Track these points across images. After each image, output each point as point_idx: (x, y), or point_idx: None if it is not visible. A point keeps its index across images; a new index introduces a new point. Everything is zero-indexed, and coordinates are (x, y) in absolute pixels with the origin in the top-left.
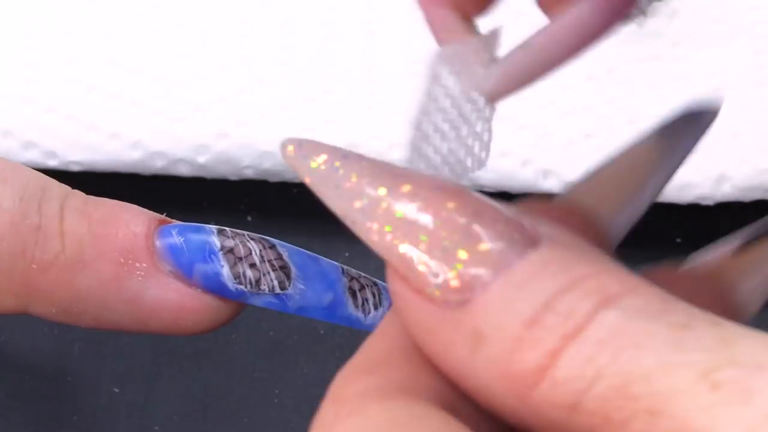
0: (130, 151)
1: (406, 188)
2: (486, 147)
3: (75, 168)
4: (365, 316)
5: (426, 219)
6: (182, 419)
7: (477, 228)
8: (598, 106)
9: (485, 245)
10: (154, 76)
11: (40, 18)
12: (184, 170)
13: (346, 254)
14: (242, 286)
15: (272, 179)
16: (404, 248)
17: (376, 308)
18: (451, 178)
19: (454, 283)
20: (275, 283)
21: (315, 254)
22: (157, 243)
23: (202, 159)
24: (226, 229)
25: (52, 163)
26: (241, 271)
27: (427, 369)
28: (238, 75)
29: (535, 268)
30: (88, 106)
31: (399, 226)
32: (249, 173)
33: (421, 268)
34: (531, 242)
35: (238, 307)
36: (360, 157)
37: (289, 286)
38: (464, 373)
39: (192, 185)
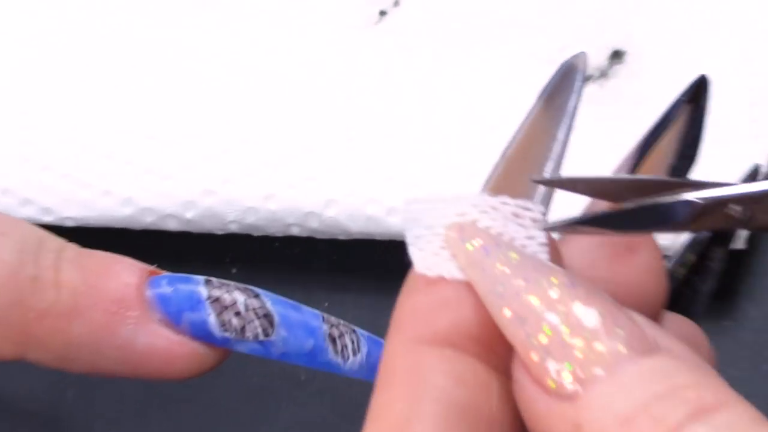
0: (121, 208)
1: (543, 282)
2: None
3: (69, 224)
4: (344, 361)
5: (552, 314)
6: None
7: (600, 330)
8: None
9: (603, 347)
10: (145, 136)
11: (36, 81)
12: (172, 225)
13: (326, 304)
14: (228, 334)
15: (255, 233)
16: (529, 338)
17: (354, 354)
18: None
19: (568, 378)
20: (259, 330)
21: (296, 303)
22: (148, 293)
23: (189, 214)
24: (213, 279)
25: (48, 219)
26: (227, 319)
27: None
28: (223, 135)
29: (642, 373)
30: (82, 165)
31: (529, 316)
32: (233, 228)
33: (542, 359)
34: (648, 351)
35: (224, 353)
36: (511, 247)
37: (273, 333)
38: None
39: (180, 239)
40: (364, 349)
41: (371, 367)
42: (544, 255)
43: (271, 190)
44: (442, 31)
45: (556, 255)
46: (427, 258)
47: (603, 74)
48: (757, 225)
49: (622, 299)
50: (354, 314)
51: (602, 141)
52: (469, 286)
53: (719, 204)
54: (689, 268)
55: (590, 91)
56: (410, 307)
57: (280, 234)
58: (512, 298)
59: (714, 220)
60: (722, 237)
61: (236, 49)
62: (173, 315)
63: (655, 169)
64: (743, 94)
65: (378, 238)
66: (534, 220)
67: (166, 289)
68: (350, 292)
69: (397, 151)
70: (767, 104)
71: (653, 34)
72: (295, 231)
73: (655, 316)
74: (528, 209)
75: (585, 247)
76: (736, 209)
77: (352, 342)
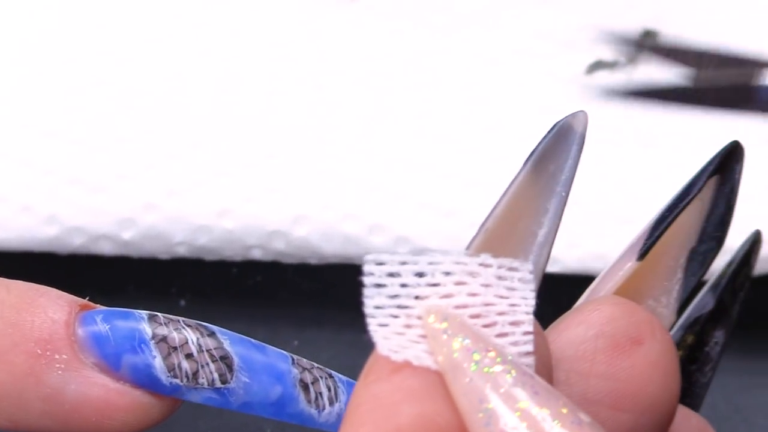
0: (43, 227)
1: (544, 412)
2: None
3: None
4: (319, 412)
5: None
6: None
7: None
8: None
9: None
10: (71, 139)
11: None
12: (106, 248)
13: (295, 343)
14: (177, 380)
15: (208, 257)
16: None
17: (331, 404)
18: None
19: None
20: (215, 375)
21: (260, 342)
22: (79, 331)
23: (127, 235)
24: (158, 314)
25: None
26: (175, 362)
27: None
28: (168, 137)
29: None
30: None
31: None
32: (181, 251)
33: None
34: None
35: (173, 403)
36: (505, 358)
37: (231, 379)
38: None
39: (115, 265)
40: (342, 398)
41: None
42: (527, 346)
43: (227, 204)
44: (433, 5)
45: (542, 344)
46: (390, 337)
47: (631, 60)
48: None
49: (624, 401)
50: (329, 355)
51: (627, 147)
52: (441, 376)
53: None
54: (685, 352)
55: (615, 82)
56: (370, 396)
57: (238, 258)
58: (498, 422)
59: None
60: (721, 315)
61: (184, 34)
62: (110, 358)
63: (671, 252)
64: None
65: (358, 262)
66: (522, 281)
67: (101, 327)
68: (324, 329)
69: (380, 155)
70: None
71: (691, 12)
72: (256, 254)
73: (665, 421)
74: (514, 269)
75: (580, 336)
76: None
77: (329, 389)
